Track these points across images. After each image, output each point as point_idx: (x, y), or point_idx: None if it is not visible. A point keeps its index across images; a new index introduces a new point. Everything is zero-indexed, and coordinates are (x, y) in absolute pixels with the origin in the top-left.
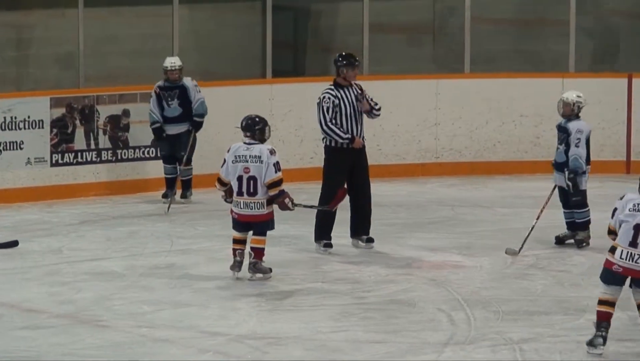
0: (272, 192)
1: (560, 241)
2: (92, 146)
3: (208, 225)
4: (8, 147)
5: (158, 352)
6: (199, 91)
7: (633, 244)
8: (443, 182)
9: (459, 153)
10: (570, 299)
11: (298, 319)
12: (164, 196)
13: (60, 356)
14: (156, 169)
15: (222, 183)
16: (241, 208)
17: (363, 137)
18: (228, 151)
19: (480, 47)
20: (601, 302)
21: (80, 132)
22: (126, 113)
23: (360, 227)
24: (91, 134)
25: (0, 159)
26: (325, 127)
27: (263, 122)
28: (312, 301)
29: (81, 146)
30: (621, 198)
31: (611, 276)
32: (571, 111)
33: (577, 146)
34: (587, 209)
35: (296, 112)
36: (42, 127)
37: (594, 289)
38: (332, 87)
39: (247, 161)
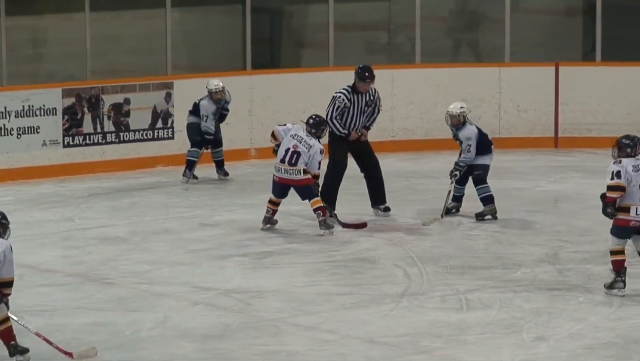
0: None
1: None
2: (99, 130)
3: (199, 196)
4: (26, 132)
5: (157, 304)
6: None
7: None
8: (399, 157)
9: (411, 132)
10: (508, 256)
11: (276, 275)
12: (188, 175)
13: (72, 310)
14: (152, 148)
15: (274, 137)
16: (282, 173)
17: (366, 127)
18: (292, 125)
19: (429, 41)
20: (615, 252)
21: (88, 118)
22: (127, 101)
23: (378, 198)
24: (97, 120)
25: (20, 142)
26: (329, 120)
27: (325, 124)
28: (288, 260)
29: (89, 130)
30: (618, 163)
31: (625, 231)
32: (458, 121)
33: (468, 151)
34: (487, 185)
35: (273, 99)
36: (55, 114)
37: (528, 247)
38: (350, 89)
39: (300, 142)
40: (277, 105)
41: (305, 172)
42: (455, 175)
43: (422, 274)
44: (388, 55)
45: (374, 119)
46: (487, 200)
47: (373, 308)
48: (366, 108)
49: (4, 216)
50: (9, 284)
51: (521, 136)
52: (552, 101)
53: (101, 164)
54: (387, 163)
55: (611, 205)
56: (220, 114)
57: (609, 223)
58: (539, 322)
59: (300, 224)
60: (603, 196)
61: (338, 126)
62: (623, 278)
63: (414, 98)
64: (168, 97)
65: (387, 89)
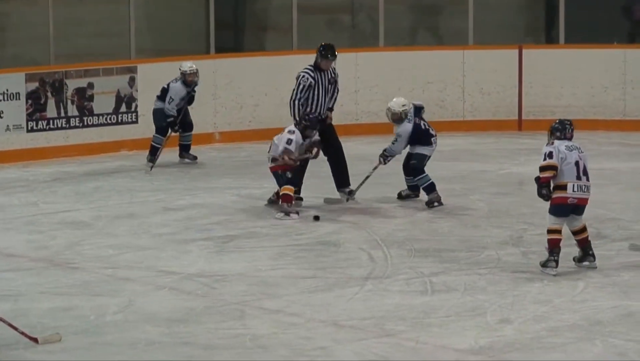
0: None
1: (400, 196)
2: (62, 114)
3: (162, 180)
4: None
5: (121, 289)
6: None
7: (578, 177)
8: (362, 140)
9: (375, 115)
10: (472, 239)
11: (241, 259)
12: (151, 160)
13: (37, 294)
14: (116, 133)
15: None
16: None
17: (329, 109)
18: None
19: (392, 25)
20: (551, 231)
21: (51, 102)
22: (91, 86)
23: (342, 181)
24: (61, 104)
25: None
26: (291, 102)
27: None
28: (253, 243)
29: (53, 115)
30: (550, 144)
31: (563, 209)
32: (399, 118)
33: (393, 144)
34: (425, 174)
35: (236, 83)
36: (19, 99)
37: (492, 230)
38: (313, 68)
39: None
40: (240, 89)
41: (274, 159)
42: (381, 161)
43: (386, 257)
44: (351, 39)
45: (335, 99)
46: (429, 189)
47: (338, 291)
48: (329, 87)
49: None
50: None
51: (485, 118)
52: (515, 83)
53: (65, 148)
54: (351, 146)
55: (546, 186)
56: (190, 97)
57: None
58: (503, 305)
59: (264, 208)
60: (537, 179)
61: (296, 111)
62: (556, 258)
63: (377, 81)
64: (132, 81)
65: (350, 72)
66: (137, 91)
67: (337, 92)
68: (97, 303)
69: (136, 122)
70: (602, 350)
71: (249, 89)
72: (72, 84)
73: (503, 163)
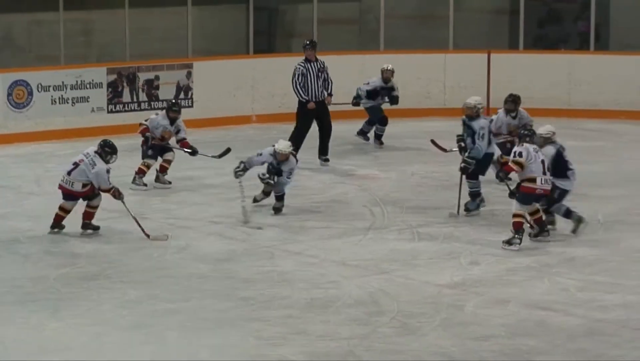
0: None
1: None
2: (135, 100)
3: (211, 151)
4: (79, 101)
5: (179, 235)
6: None
7: (544, 172)
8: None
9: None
10: (451, 199)
11: (270, 213)
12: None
13: (112, 236)
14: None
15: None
16: None
17: (329, 94)
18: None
19: (391, 33)
20: (517, 215)
21: (127, 91)
22: (157, 78)
23: (323, 151)
24: (134, 92)
25: (75, 108)
26: (293, 85)
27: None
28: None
29: (127, 100)
30: (521, 145)
31: (531, 198)
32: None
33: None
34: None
35: (269, 77)
36: (102, 87)
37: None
38: (303, 61)
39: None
40: (273, 82)
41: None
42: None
43: (383, 213)
44: (359, 44)
45: (331, 87)
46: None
47: (345, 238)
48: (320, 74)
49: (106, 144)
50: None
51: (459, 107)
52: (485, 80)
53: (137, 126)
54: (355, 128)
55: (505, 173)
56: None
57: None
58: (473, 250)
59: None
60: (502, 164)
61: (300, 91)
62: (520, 237)
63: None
64: (189, 75)
65: (357, 69)
66: (192, 82)
67: (331, 82)
68: (159, 245)
69: (192, 106)
70: (549, 285)
71: (280, 82)
72: (142, 77)
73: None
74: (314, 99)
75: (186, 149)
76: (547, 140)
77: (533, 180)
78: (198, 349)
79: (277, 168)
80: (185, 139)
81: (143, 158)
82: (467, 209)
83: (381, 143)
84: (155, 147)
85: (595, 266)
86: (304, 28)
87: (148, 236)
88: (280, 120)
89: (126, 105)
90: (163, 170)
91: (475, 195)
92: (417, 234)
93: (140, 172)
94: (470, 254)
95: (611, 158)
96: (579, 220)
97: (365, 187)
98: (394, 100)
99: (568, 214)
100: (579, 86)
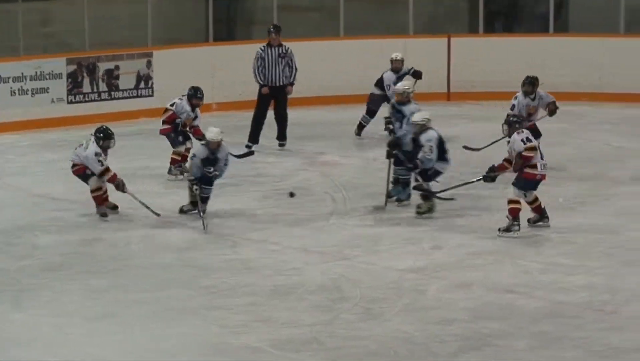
0: None
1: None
2: (95, 90)
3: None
4: (38, 92)
5: (141, 224)
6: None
7: (542, 158)
8: (329, 109)
9: (334, 89)
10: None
11: (233, 201)
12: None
13: (74, 228)
14: (136, 104)
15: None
16: None
17: (290, 83)
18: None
19: (351, 19)
20: (513, 201)
21: (86, 81)
22: (117, 67)
23: (280, 136)
24: (94, 82)
25: (34, 99)
26: (253, 69)
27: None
28: (242, 189)
29: (87, 90)
30: (521, 132)
31: (530, 183)
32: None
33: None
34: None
35: (229, 65)
36: (61, 78)
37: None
38: (264, 46)
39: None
40: (233, 70)
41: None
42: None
43: (345, 199)
44: (318, 30)
45: (293, 76)
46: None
47: (308, 225)
48: (280, 60)
49: (97, 130)
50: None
51: (421, 91)
52: (445, 64)
53: (97, 116)
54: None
55: (494, 175)
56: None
57: (484, 156)
58: (435, 235)
59: (251, 159)
60: (494, 170)
61: (257, 74)
62: (519, 222)
63: (338, 63)
64: (149, 64)
65: (317, 56)
66: (153, 71)
67: (295, 70)
68: (124, 235)
69: (152, 95)
70: (512, 269)
71: (240, 70)
72: (102, 66)
73: (435, 125)
74: (270, 84)
75: (199, 137)
76: (423, 127)
77: (534, 166)
78: (163, 338)
79: (214, 158)
80: (198, 126)
81: (174, 147)
82: (398, 199)
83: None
84: (183, 133)
85: (557, 249)
86: (264, 15)
87: (158, 214)
88: (241, 108)
89: (86, 95)
90: (176, 161)
91: (405, 184)
92: (379, 219)
93: (174, 162)
94: (432, 238)
95: (572, 140)
96: (429, 207)
97: (327, 173)
98: (418, 74)
99: (425, 196)
100: (539, 68)
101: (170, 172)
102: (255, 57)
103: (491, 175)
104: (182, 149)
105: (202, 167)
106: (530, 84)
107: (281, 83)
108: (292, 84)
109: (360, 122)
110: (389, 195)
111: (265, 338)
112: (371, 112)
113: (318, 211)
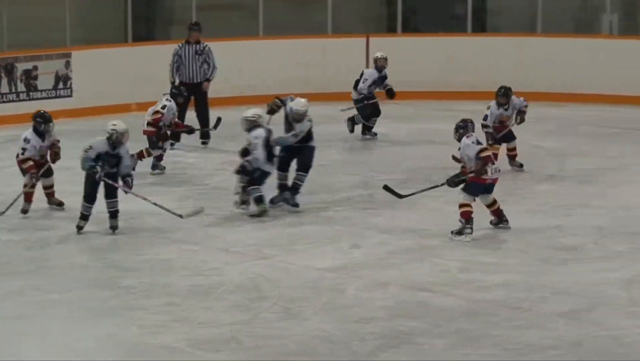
0: None
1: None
2: (13, 90)
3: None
4: None
5: (59, 225)
6: None
7: (492, 162)
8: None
9: (254, 89)
10: (330, 183)
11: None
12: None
13: None
14: (55, 104)
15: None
16: None
17: (207, 79)
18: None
19: (270, 19)
20: (464, 205)
21: (4, 81)
22: (35, 68)
23: (203, 134)
24: (12, 82)
25: None
26: (169, 66)
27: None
28: (164, 188)
29: (5, 90)
30: (471, 136)
31: (479, 188)
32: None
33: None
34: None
35: (148, 64)
36: None
37: (345, 176)
38: (182, 43)
39: None
40: (152, 69)
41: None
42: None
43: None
44: (236, 30)
45: (211, 73)
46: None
47: (227, 225)
48: (197, 57)
49: (35, 115)
50: None
51: (340, 91)
52: (364, 64)
53: (15, 117)
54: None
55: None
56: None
57: (410, 154)
58: (353, 234)
59: (175, 155)
60: (456, 181)
61: (171, 71)
62: (471, 226)
63: (259, 63)
64: (67, 64)
65: (236, 56)
66: (71, 72)
67: (214, 68)
68: (41, 236)
69: (71, 96)
70: (430, 267)
71: (160, 69)
72: (20, 67)
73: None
74: (188, 81)
75: (183, 130)
76: (254, 123)
77: (485, 172)
78: (81, 339)
79: (116, 154)
80: (178, 121)
81: (152, 149)
82: (295, 204)
83: (375, 134)
84: (163, 136)
85: (476, 247)
86: (183, 14)
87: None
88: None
89: (4, 96)
90: (160, 158)
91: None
92: (298, 219)
93: (160, 159)
94: (351, 238)
95: None
96: (263, 210)
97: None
98: (391, 93)
99: (259, 199)
100: (457, 68)
101: (153, 168)
102: (172, 55)
103: (455, 180)
104: (158, 153)
105: (89, 159)
106: (504, 95)
107: (198, 80)
108: (208, 80)
109: (353, 118)
110: (272, 201)
111: (183, 338)
112: (374, 113)
113: (237, 211)
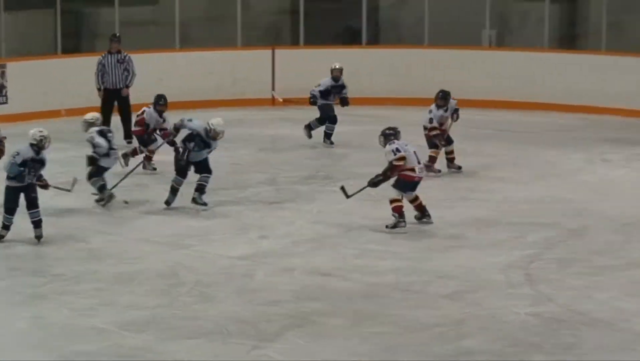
0: None
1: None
2: None
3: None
4: None
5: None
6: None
7: (419, 162)
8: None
9: (184, 94)
10: (241, 180)
11: (79, 196)
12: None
13: None
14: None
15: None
16: None
17: (126, 85)
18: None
19: (186, 33)
20: (395, 200)
21: None
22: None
23: (126, 135)
24: None
25: None
26: (94, 74)
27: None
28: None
29: None
30: (392, 143)
31: (410, 185)
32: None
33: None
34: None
35: (77, 73)
36: None
37: (254, 174)
38: (105, 54)
39: None
40: (80, 77)
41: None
42: None
43: (181, 193)
44: (155, 44)
45: (130, 79)
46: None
47: (147, 217)
48: (119, 65)
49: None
50: None
51: (249, 97)
52: (270, 74)
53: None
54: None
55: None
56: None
57: (312, 155)
58: (262, 225)
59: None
60: (378, 181)
61: (95, 80)
62: (404, 219)
63: (176, 73)
64: (3, 74)
65: (158, 67)
66: (7, 81)
67: (133, 75)
68: None
69: (6, 103)
70: (330, 255)
71: (86, 79)
72: None
73: (263, 128)
74: (111, 87)
75: (166, 140)
76: (92, 124)
77: (412, 169)
78: (15, 320)
79: (40, 158)
80: (167, 129)
81: (147, 146)
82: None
83: (331, 142)
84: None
85: (368, 236)
86: (107, 29)
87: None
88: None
89: None
90: (150, 158)
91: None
92: (212, 212)
93: (149, 159)
94: (260, 229)
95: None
96: (109, 197)
97: (167, 173)
98: (345, 102)
99: (101, 188)
100: (353, 76)
101: (144, 167)
102: (97, 63)
103: (374, 180)
104: (154, 147)
105: (17, 166)
106: (444, 98)
107: (120, 86)
108: (127, 86)
109: (309, 124)
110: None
111: (110, 320)
112: (331, 119)
113: (156, 206)
